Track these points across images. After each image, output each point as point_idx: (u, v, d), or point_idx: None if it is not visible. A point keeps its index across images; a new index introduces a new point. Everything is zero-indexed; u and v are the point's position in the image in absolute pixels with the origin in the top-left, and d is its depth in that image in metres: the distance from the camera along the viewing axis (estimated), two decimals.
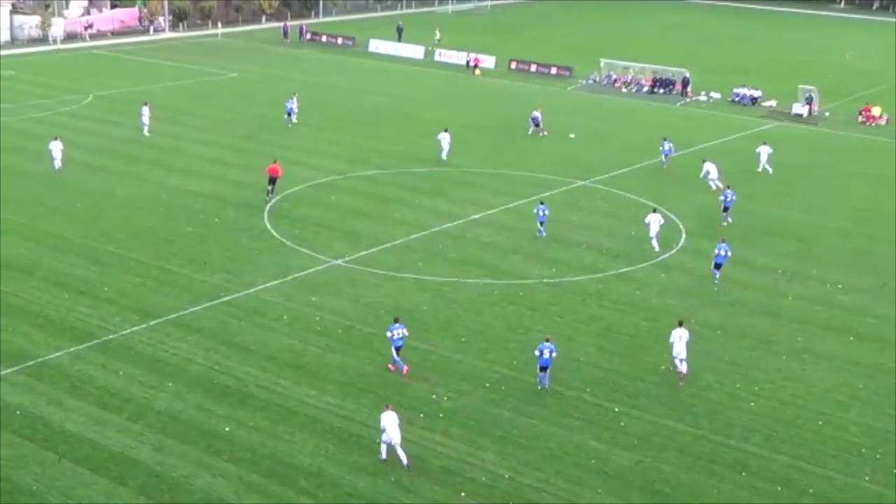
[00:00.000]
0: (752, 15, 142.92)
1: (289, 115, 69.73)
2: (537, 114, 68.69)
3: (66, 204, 50.89)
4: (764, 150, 61.98)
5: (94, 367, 34.38)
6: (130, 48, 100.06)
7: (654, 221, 47.22)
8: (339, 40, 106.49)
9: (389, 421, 29.33)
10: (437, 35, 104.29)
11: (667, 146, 62.81)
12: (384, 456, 29.60)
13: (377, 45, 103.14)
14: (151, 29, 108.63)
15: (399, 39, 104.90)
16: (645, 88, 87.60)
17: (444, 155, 62.27)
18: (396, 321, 35.15)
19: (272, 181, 52.04)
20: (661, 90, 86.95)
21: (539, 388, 34.08)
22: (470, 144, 64.90)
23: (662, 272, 44.68)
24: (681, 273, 44.67)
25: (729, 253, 43.37)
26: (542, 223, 48.68)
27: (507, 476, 29.13)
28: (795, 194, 58.00)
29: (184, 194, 52.90)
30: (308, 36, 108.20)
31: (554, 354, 33.89)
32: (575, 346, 37.12)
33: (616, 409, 32.85)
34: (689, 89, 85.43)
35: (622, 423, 32.08)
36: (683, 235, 48.98)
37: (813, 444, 31.34)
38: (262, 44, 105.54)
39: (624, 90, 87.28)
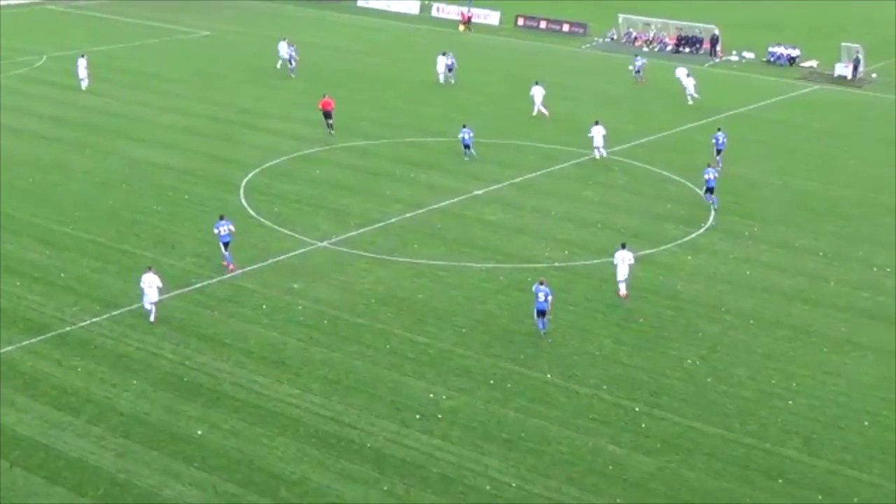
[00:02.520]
0: None
1: (289, 62, 73.08)
2: (451, 61, 71.61)
3: (18, 179, 50.84)
4: (688, 82, 68.78)
5: (50, 363, 34.28)
6: (87, 3, 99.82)
7: (598, 133, 55.58)
8: None
9: (149, 281, 36.52)
10: None
11: (639, 63, 74.48)
12: (152, 319, 36.69)
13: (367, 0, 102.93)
14: None
15: None
16: (669, 47, 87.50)
17: (441, 79, 68.73)
18: (222, 218, 41.13)
19: (328, 115, 56.41)
20: (687, 49, 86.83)
21: (541, 331, 36.75)
22: (471, 111, 64.72)
23: (689, 254, 44.59)
24: (710, 255, 44.57)
25: (717, 174, 49.12)
26: (466, 147, 54.94)
27: (513, 484, 29.10)
28: (838, 166, 57.88)
29: (150, 168, 52.86)
30: None
31: (550, 297, 36.47)
32: (590, 338, 37.08)
33: (636, 409, 32.79)
34: (718, 48, 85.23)
35: (643, 425, 32.02)
36: (712, 213, 48.84)
37: (857, 448, 31.25)
38: None
39: (645, 49, 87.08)
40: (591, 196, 51.18)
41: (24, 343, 35.42)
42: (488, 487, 28.85)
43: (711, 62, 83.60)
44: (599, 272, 42.31)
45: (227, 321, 37.49)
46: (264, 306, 38.68)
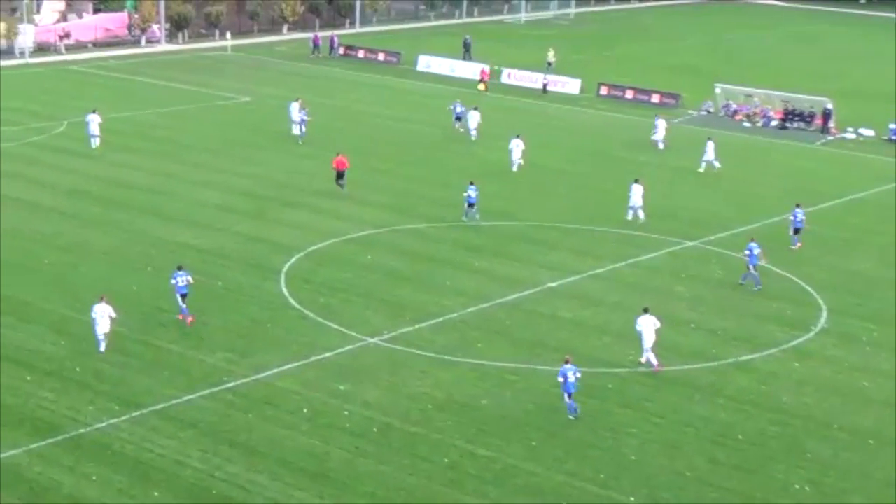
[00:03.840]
0: None
1: (300, 125, 74.70)
2: (462, 109, 77.99)
3: (30, 259, 51.59)
4: (710, 147, 71.46)
5: (61, 470, 34.26)
6: (116, 63, 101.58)
7: (636, 192, 59.62)
8: (381, 56, 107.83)
9: (101, 311, 41.17)
10: (551, 57, 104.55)
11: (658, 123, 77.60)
12: (102, 349, 41.27)
13: (428, 63, 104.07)
14: (143, 39, 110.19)
15: (466, 57, 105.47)
16: (774, 122, 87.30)
17: (474, 135, 76.30)
18: (180, 268, 44.88)
19: (340, 175, 55.34)
20: (796, 124, 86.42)
21: (571, 416, 38.30)
22: (543, 190, 64.99)
23: (796, 361, 44.17)
24: (821, 363, 44.15)
25: (760, 250, 50.37)
26: (471, 205, 59.06)
27: None
28: None
29: (178, 249, 53.31)
30: (341, 50, 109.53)
31: (578, 375, 38.41)
32: (680, 456, 36.69)
33: None
34: (831, 124, 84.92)
35: None
36: (825, 314, 48.44)
37: None
38: (282, 60, 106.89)
39: (747, 124, 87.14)
40: (683, 292, 50.94)
41: (33, 446, 35.47)
42: None
43: (823, 140, 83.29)
44: (692, 380, 41.98)
45: (262, 426, 37.47)
46: (305, 410, 38.66)
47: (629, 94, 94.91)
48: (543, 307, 48.57)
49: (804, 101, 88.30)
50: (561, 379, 38.18)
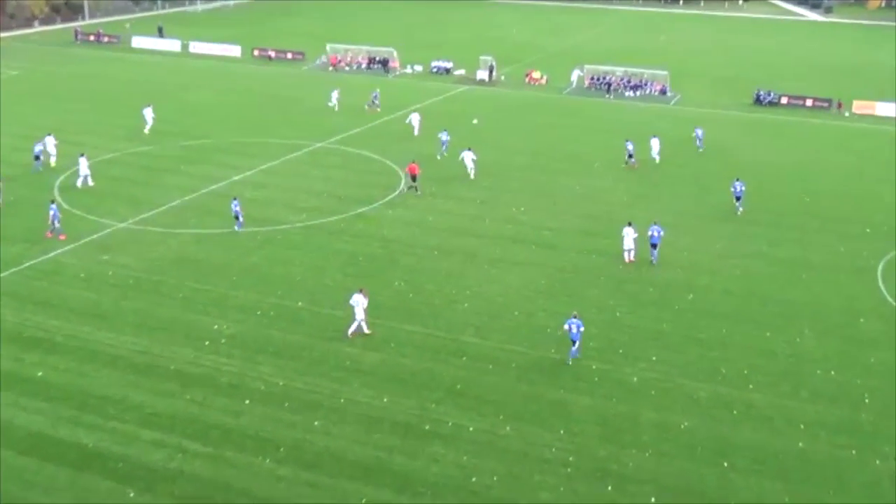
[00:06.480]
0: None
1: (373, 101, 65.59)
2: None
3: None
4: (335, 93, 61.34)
5: None
6: None
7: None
8: (106, 39, 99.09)
9: (358, 301, 31.13)
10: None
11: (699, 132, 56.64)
12: (356, 330, 31.40)
13: (139, 42, 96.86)
14: None
15: (161, 35, 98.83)
16: (363, 66, 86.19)
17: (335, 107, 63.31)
18: (52, 201, 39.59)
19: (413, 178, 46.33)
20: (376, 67, 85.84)
21: (570, 361, 29.88)
22: (226, 119, 62.50)
23: (389, 209, 44.67)
24: (402, 209, 44.72)
25: (662, 233, 38.10)
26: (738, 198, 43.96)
27: (281, 383, 28.67)
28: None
29: None
30: (81, 37, 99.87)
31: (582, 329, 29.72)
32: (325, 274, 36.63)
33: None
34: (394, 65, 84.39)
35: None
36: (400, 182, 49.18)
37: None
38: (36, 45, 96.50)
39: (347, 68, 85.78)
40: (318, 173, 50.19)
41: None
42: (263, 388, 28.19)
43: (393, 74, 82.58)
44: (329, 227, 41.67)
45: (53, 288, 34.76)
46: (82, 274, 36.12)
47: (272, 54, 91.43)
48: (232, 192, 46.83)
49: (383, 51, 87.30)
50: (566, 328, 29.70)
